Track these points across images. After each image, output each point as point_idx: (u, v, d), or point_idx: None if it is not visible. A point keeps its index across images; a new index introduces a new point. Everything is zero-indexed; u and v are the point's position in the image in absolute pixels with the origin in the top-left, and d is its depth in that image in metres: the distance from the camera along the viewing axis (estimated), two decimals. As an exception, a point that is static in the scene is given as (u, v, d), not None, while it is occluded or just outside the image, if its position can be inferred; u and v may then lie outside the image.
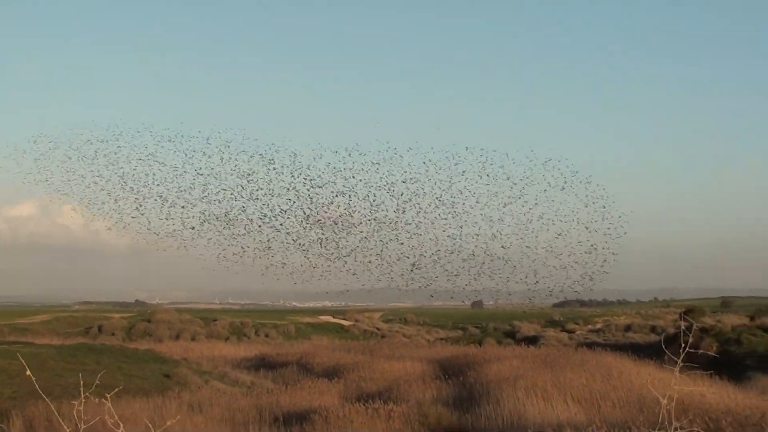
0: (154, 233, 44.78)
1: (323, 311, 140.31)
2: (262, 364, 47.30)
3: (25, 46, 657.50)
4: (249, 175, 43.81)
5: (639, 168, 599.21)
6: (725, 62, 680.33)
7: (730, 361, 41.33)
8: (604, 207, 42.41)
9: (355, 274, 43.13)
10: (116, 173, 44.30)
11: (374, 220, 42.65)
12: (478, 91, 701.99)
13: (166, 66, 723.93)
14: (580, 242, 42.42)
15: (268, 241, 43.69)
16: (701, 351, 9.72)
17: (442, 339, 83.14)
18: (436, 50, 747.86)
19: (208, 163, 44.43)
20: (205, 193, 44.11)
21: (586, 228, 42.29)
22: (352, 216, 42.88)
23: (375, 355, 45.48)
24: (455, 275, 42.78)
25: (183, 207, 44.02)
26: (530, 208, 42.75)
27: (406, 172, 43.38)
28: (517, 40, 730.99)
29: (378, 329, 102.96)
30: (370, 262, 42.98)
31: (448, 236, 42.78)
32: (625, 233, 42.70)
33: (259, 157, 44.10)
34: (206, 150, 44.55)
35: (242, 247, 44.01)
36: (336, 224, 43.17)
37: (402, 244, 42.71)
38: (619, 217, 42.77)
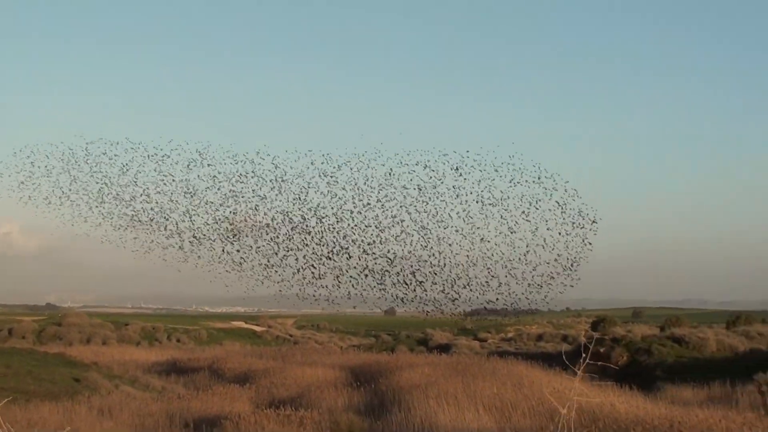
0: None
1: (235, 317, 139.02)
2: (173, 369, 46.76)
3: (25, 45, 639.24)
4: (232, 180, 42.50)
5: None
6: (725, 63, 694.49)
7: (640, 371, 42.25)
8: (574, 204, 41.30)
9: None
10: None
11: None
12: (475, 92, 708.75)
13: (162, 67, 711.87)
14: (547, 239, 41.37)
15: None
16: (601, 363, 9.93)
17: (354, 346, 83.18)
18: (429, 51, 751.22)
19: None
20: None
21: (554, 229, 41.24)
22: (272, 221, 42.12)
23: (287, 361, 45.23)
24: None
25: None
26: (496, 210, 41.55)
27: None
28: (514, 41, 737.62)
29: (291, 335, 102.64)
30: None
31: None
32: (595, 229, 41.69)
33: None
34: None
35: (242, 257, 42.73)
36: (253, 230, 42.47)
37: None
38: (591, 218, 41.75)
